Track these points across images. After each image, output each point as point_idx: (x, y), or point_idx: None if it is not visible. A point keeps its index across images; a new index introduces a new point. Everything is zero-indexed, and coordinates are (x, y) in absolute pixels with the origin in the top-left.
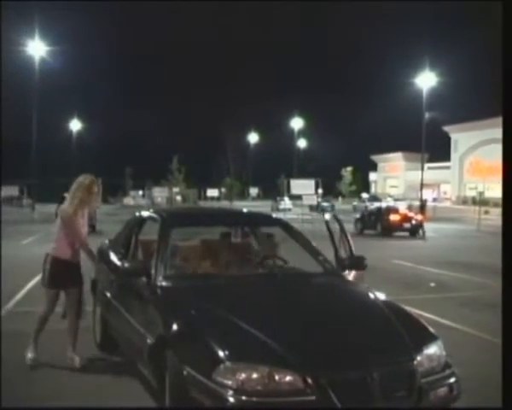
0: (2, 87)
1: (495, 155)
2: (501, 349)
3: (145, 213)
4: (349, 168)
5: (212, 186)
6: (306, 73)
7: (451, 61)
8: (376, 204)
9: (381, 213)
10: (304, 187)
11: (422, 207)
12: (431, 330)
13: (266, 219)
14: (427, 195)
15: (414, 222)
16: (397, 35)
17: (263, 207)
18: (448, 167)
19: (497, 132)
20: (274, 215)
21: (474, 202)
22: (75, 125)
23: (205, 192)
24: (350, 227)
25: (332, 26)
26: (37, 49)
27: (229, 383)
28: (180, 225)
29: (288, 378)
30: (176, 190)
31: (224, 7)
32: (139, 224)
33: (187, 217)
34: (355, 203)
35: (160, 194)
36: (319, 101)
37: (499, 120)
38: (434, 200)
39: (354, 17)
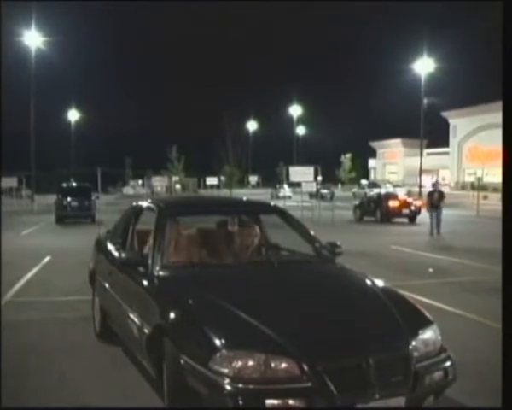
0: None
1: (493, 140)
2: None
3: (142, 204)
4: (348, 155)
5: (212, 175)
6: (305, 60)
7: (449, 46)
8: (376, 190)
9: (381, 200)
10: (303, 174)
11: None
12: (426, 314)
13: (264, 207)
14: (426, 181)
15: (413, 208)
16: (395, 22)
17: (263, 194)
18: (447, 153)
19: (496, 117)
20: (272, 203)
21: (473, 187)
22: (73, 115)
23: (204, 181)
24: (349, 214)
25: (331, 14)
26: (33, 39)
27: (226, 371)
28: (177, 214)
29: (284, 365)
30: (175, 179)
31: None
32: (136, 214)
33: (184, 207)
34: (354, 190)
35: (159, 183)
36: (318, 88)
37: (497, 105)
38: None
39: (353, 5)
